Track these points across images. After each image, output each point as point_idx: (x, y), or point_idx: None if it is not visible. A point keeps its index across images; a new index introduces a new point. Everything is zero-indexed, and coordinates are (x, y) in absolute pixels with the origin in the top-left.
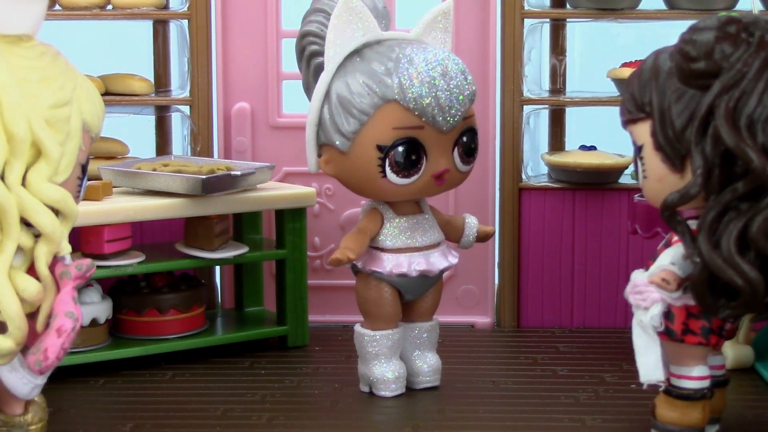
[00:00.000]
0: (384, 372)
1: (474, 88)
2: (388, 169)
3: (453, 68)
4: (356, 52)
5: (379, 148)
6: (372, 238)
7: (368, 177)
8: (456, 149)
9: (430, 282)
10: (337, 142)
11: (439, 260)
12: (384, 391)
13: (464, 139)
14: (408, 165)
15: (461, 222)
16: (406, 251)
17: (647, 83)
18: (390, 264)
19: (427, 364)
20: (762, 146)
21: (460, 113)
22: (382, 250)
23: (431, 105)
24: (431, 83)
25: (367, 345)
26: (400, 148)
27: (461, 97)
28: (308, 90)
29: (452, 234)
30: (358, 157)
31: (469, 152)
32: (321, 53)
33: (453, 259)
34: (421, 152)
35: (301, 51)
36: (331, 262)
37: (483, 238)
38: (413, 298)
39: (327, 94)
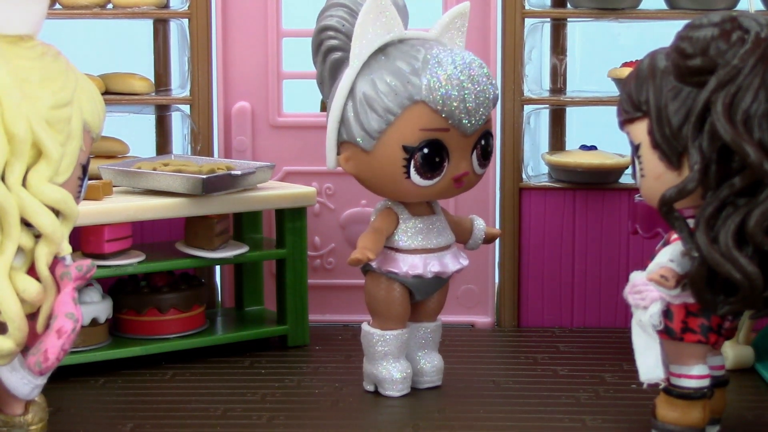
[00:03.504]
0: (392, 372)
1: (497, 92)
2: (412, 170)
3: (479, 72)
4: (380, 50)
5: (405, 148)
6: (387, 238)
7: (391, 177)
8: (475, 152)
9: (441, 283)
10: (361, 141)
11: (452, 262)
12: (390, 391)
13: (482, 142)
14: (432, 167)
15: (470, 224)
16: (422, 252)
17: (644, 82)
18: (406, 265)
19: (431, 364)
20: (759, 141)
21: (484, 117)
22: (397, 250)
23: (459, 108)
24: (460, 86)
25: (376, 344)
26: (426, 150)
27: (486, 101)
28: (322, 84)
29: (460, 235)
30: (383, 156)
31: (486, 155)
32: (340, 48)
33: (464, 261)
34: (444, 155)
35: (318, 45)
36: (350, 262)
37: (490, 239)
38: (423, 298)
39: (351, 92)
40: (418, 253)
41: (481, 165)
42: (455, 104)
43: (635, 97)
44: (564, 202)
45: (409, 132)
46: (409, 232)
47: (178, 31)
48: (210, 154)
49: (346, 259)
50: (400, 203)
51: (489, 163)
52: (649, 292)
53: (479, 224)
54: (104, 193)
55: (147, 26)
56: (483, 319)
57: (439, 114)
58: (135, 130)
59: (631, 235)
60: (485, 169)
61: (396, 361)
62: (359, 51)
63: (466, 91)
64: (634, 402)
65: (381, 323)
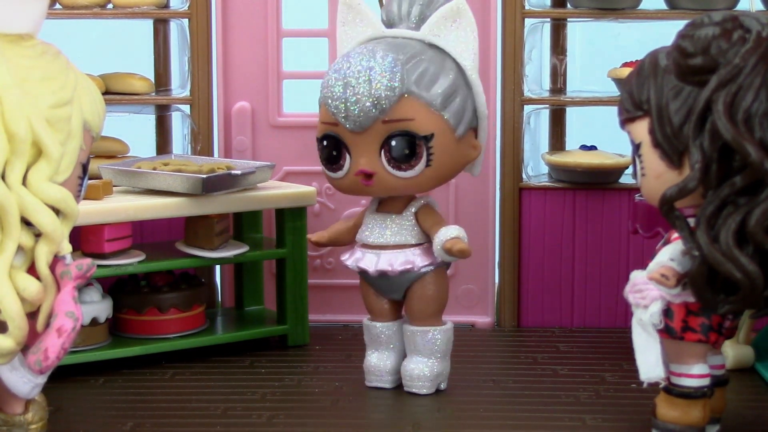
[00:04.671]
0: (369, 362)
1: (385, 93)
2: (321, 161)
3: (362, 73)
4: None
5: (317, 140)
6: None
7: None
8: (382, 152)
9: (400, 283)
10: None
11: (401, 262)
12: (366, 380)
13: (392, 143)
14: (329, 159)
15: (434, 233)
16: (371, 248)
17: (645, 81)
18: (353, 257)
19: (409, 369)
20: (760, 140)
21: (361, 117)
22: (356, 242)
23: (333, 105)
24: (335, 85)
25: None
26: (325, 142)
27: (364, 102)
28: None
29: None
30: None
31: (399, 158)
32: None
33: (421, 262)
34: (342, 149)
35: None
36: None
37: (453, 254)
38: (390, 296)
39: None
40: (368, 248)
41: (396, 168)
42: (332, 103)
43: (636, 96)
44: (564, 202)
45: (319, 124)
46: (365, 226)
47: (178, 31)
48: (210, 154)
49: None
50: (377, 198)
51: (413, 167)
52: (649, 291)
53: (439, 235)
54: (104, 193)
55: (147, 26)
56: (483, 319)
57: (328, 109)
58: (135, 130)
59: (632, 235)
60: (411, 173)
61: (375, 351)
62: (339, 48)
63: (337, 93)
64: (634, 401)
65: (367, 313)
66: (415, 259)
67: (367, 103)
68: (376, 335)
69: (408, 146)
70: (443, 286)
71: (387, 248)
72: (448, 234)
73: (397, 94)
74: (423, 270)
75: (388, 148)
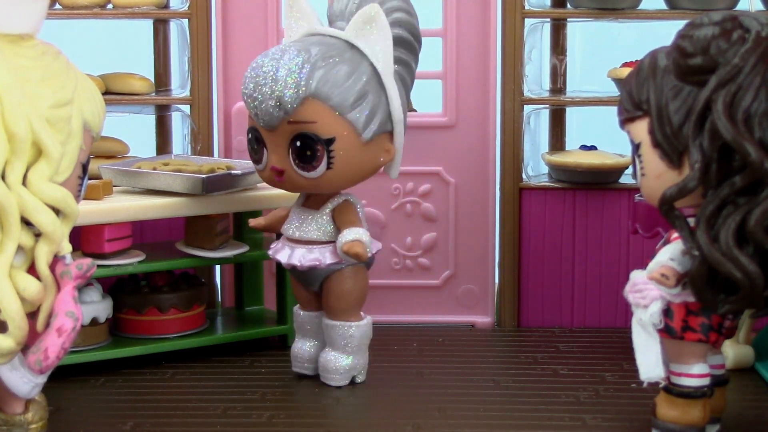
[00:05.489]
0: (293, 348)
1: (288, 94)
2: (249, 153)
3: (269, 73)
4: None
5: (246, 132)
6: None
7: None
8: (290, 151)
9: (312, 277)
10: None
11: (304, 257)
12: (292, 366)
13: (297, 143)
14: (252, 151)
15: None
16: (286, 240)
17: (644, 81)
18: (274, 248)
19: (323, 360)
20: (759, 140)
21: (267, 117)
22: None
23: (246, 103)
24: (248, 83)
25: None
26: (250, 135)
27: (268, 102)
28: None
29: None
30: None
31: (302, 159)
32: None
33: (326, 260)
34: (261, 144)
35: None
36: None
37: (350, 256)
38: (308, 286)
39: None
40: (288, 240)
41: (301, 168)
42: (245, 100)
43: (636, 95)
44: (564, 202)
45: (248, 118)
46: (289, 219)
47: (178, 31)
48: (210, 154)
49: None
50: (302, 193)
51: (314, 168)
52: (649, 291)
53: (340, 238)
54: (104, 193)
55: (147, 26)
56: (483, 319)
57: None
58: (135, 130)
59: (632, 235)
60: (314, 174)
61: (300, 338)
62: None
63: (248, 91)
64: (634, 401)
65: None
66: (323, 257)
67: (271, 103)
68: (301, 323)
69: (309, 148)
70: (361, 283)
71: (301, 243)
72: (349, 236)
73: (300, 96)
74: (332, 267)
75: (294, 148)
